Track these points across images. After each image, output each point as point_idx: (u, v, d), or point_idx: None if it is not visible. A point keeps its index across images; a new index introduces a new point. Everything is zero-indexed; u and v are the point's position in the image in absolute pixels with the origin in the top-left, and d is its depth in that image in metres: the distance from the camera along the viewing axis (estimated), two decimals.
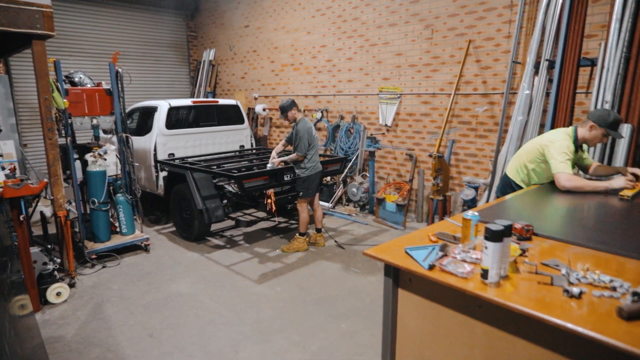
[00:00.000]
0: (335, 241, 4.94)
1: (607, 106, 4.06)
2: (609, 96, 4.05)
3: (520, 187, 3.26)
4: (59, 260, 4.08)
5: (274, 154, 5.00)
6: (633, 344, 1.18)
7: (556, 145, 2.96)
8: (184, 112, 6.26)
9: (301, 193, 4.73)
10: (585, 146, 3.25)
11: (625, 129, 3.92)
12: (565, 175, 2.86)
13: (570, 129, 3.11)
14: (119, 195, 4.83)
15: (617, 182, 2.82)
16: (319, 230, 5.03)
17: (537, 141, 3.20)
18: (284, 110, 4.68)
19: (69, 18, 8.27)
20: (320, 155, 6.14)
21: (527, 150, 3.24)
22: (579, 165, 3.33)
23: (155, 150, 5.71)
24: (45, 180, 3.90)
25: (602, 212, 2.48)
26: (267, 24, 8.16)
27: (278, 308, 3.61)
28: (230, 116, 6.63)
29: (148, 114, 6.05)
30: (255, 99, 8.66)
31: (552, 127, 4.53)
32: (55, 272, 3.83)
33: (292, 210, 6.32)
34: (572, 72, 4.37)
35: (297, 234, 4.89)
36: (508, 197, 2.94)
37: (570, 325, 1.28)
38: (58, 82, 4.17)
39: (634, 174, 2.99)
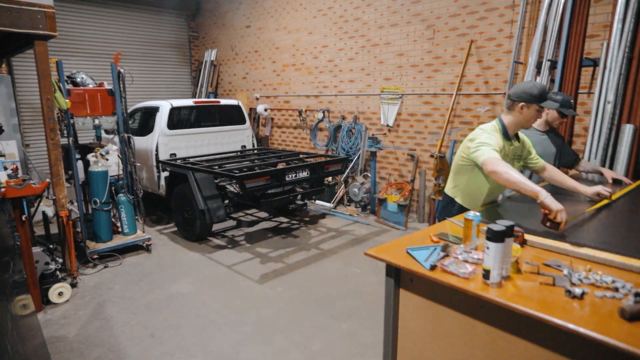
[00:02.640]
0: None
1: (609, 107, 4.04)
2: (611, 96, 4.04)
3: (463, 207, 2.66)
4: (61, 260, 4.09)
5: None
6: (635, 345, 1.17)
7: (476, 140, 2.45)
8: (185, 112, 6.27)
9: None
10: (528, 142, 2.76)
11: (628, 130, 3.91)
12: (493, 158, 2.27)
13: (494, 121, 2.61)
14: (120, 195, 4.84)
15: (555, 205, 1.98)
16: None
17: (460, 146, 2.67)
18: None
19: (71, 18, 8.30)
20: (322, 156, 6.16)
21: (456, 158, 2.72)
22: (528, 168, 2.84)
23: (156, 150, 5.72)
24: (48, 180, 3.91)
25: (604, 212, 2.47)
26: (269, 24, 8.16)
27: (279, 308, 3.61)
28: (231, 116, 6.63)
29: (150, 114, 6.05)
30: (257, 99, 8.67)
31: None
32: (57, 272, 3.83)
33: (294, 210, 6.32)
34: (574, 73, 4.36)
35: None
36: (508, 196, 2.93)
37: (572, 326, 1.28)
38: (60, 82, 4.18)
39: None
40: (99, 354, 3.01)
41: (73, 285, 3.99)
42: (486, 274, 1.56)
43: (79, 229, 4.69)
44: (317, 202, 6.89)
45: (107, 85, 4.79)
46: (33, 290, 3.43)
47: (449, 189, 2.83)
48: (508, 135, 2.57)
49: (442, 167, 5.33)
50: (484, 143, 2.39)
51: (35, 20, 3.63)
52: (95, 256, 4.56)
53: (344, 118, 7.02)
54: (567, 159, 3.48)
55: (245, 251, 4.95)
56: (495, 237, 1.55)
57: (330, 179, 6.80)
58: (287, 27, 7.80)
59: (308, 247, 5.02)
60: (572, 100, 3.06)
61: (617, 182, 2.88)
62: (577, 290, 1.45)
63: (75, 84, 4.66)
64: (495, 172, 2.21)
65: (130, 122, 5.34)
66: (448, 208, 2.80)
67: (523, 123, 2.56)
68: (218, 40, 9.58)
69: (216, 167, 5.17)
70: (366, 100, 6.68)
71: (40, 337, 2.91)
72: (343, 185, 6.84)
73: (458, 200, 2.75)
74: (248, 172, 4.79)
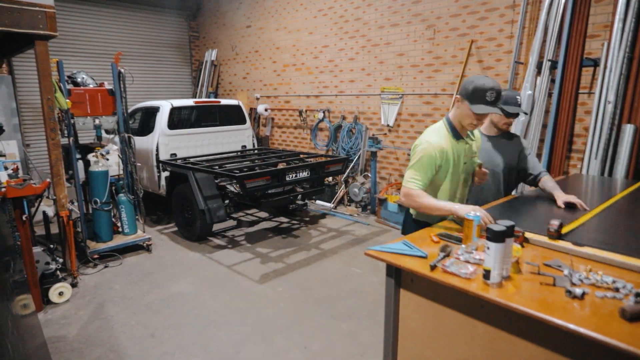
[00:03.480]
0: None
1: (610, 107, 4.04)
2: (611, 96, 4.03)
3: (423, 222, 2.38)
4: (61, 260, 4.09)
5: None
6: (636, 345, 1.17)
7: (416, 150, 2.24)
8: (186, 112, 6.27)
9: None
10: (477, 134, 2.50)
11: (628, 130, 3.91)
12: (403, 189, 2.23)
13: (440, 122, 2.35)
14: (121, 195, 4.84)
15: (463, 208, 2.01)
16: None
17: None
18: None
19: (72, 18, 8.30)
20: (322, 156, 6.16)
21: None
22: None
23: (157, 150, 5.72)
24: (48, 180, 3.91)
25: (605, 212, 2.47)
26: (269, 24, 8.16)
27: (279, 308, 3.61)
28: (232, 116, 6.64)
29: (150, 114, 6.06)
30: (257, 99, 8.67)
31: (555, 127, 4.52)
32: (58, 272, 3.84)
33: (294, 210, 6.32)
34: (575, 73, 4.36)
35: None
36: (509, 197, 2.92)
37: (572, 326, 1.28)
38: (61, 82, 4.19)
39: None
40: (99, 354, 3.01)
41: (73, 285, 3.99)
42: (486, 274, 1.56)
43: (79, 229, 4.69)
44: (318, 202, 6.89)
45: (108, 85, 4.79)
46: (33, 290, 3.43)
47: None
48: (458, 134, 2.28)
49: None
50: (418, 164, 2.20)
51: (35, 20, 3.63)
52: (96, 256, 4.56)
53: (344, 118, 7.02)
54: (523, 173, 2.79)
55: (246, 251, 4.95)
56: (495, 237, 1.55)
57: (330, 179, 6.80)
58: (287, 27, 7.80)
59: (308, 247, 5.02)
60: (518, 97, 2.56)
61: (570, 207, 2.40)
62: (578, 291, 1.45)
63: (75, 84, 4.66)
64: (401, 202, 2.07)
65: (130, 122, 5.34)
66: (407, 222, 2.56)
67: (461, 120, 2.23)
68: (218, 40, 9.59)
69: (216, 167, 5.17)
70: (366, 100, 6.68)
71: (41, 337, 2.91)
72: (343, 185, 6.84)
73: (411, 212, 2.49)
74: (248, 172, 4.79)
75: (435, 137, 2.25)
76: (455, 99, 2.25)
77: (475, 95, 2.10)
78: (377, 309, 3.53)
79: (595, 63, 4.31)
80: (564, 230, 1.98)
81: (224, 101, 6.66)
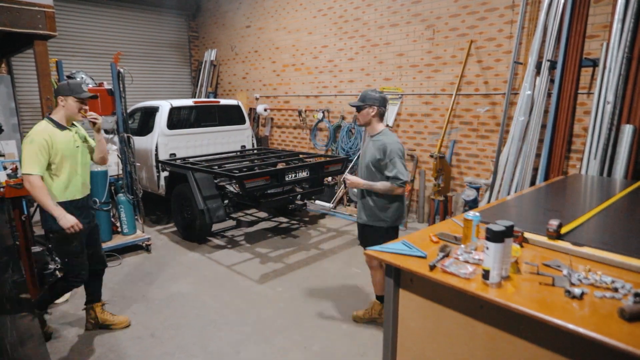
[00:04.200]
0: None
1: (609, 107, 4.04)
2: (610, 97, 4.04)
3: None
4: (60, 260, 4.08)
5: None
6: (635, 345, 1.18)
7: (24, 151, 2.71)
8: (185, 112, 6.26)
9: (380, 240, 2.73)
10: (80, 126, 3.07)
11: (627, 130, 3.92)
12: (27, 178, 2.65)
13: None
14: (120, 195, 4.84)
15: (67, 219, 2.72)
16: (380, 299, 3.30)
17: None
18: (359, 107, 3.13)
19: (71, 18, 8.30)
20: (321, 156, 6.16)
21: None
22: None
23: (156, 150, 5.71)
24: None
25: (604, 212, 2.48)
26: (269, 24, 8.16)
27: (279, 308, 3.61)
28: (231, 116, 6.63)
29: (149, 114, 6.05)
30: (257, 99, 8.67)
31: (554, 127, 4.53)
32: (57, 272, 3.83)
33: (294, 210, 6.32)
34: (574, 73, 4.37)
35: (375, 300, 3.36)
36: (509, 197, 2.93)
37: (571, 326, 1.28)
38: (60, 82, 4.18)
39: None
40: (98, 353, 3.01)
41: None
42: (486, 274, 1.57)
43: None
44: (317, 202, 6.89)
45: (107, 85, 4.79)
46: (32, 290, 3.43)
47: None
48: (58, 123, 2.85)
49: (442, 167, 5.34)
50: (33, 152, 2.66)
51: (35, 20, 3.63)
52: None
53: (343, 118, 7.02)
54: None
55: (245, 251, 4.95)
56: (494, 237, 1.55)
57: (329, 179, 6.80)
58: (287, 27, 7.80)
59: (308, 247, 5.02)
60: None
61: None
62: (577, 291, 1.45)
63: None
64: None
65: (130, 122, 5.34)
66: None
67: (70, 117, 2.88)
68: (218, 40, 9.58)
69: (216, 167, 5.17)
70: None
71: (40, 337, 2.91)
72: (343, 186, 6.84)
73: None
74: (248, 172, 4.79)
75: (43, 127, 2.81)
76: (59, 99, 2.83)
77: (73, 89, 2.84)
78: None
79: (595, 63, 4.32)
80: (563, 230, 1.98)
81: (223, 101, 6.66)
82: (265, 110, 8.20)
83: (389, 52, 6.22)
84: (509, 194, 4.79)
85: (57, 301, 3.70)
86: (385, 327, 1.94)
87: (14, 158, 4.49)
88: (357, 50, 6.67)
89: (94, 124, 2.95)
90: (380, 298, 3.22)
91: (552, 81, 4.61)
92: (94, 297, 3.30)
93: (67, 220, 2.72)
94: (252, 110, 8.56)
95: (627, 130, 3.92)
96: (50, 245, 4.01)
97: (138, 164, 5.32)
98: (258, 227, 5.91)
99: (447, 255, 1.80)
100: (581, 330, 1.26)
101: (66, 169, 2.84)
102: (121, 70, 4.72)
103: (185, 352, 3.02)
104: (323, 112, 7.24)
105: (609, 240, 1.94)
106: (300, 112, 7.68)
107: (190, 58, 10.26)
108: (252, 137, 6.92)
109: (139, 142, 5.66)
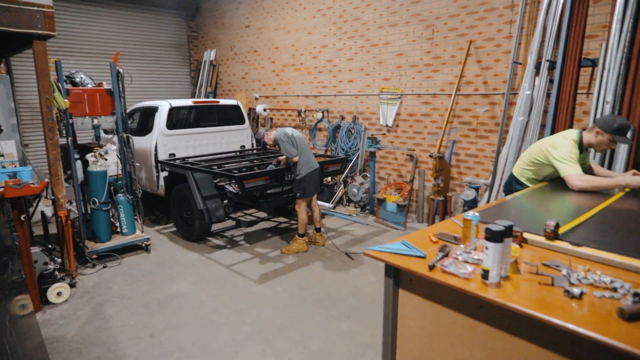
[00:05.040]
0: (346, 253, 4.80)
1: (608, 107, 4.06)
2: (610, 97, 4.05)
3: (526, 186, 3.29)
4: (59, 260, 4.08)
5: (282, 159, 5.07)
6: (634, 344, 1.18)
7: (560, 151, 3.01)
8: (184, 112, 6.26)
9: (298, 194, 4.69)
10: (591, 149, 3.28)
11: None
12: (576, 175, 2.90)
13: (575, 133, 3.13)
14: (119, 195, 4.84)
15: (633, 179, 2.84)
16: (318, 230, 5.01)
17: (542, 143, 3.24)
18: (260, 141, 4.98)
19: (70, 18, 8.29)
20: (320, 156, 6.15)
21: (532, 151, 3.31)
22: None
23: (156, 150, 5.71)
24: (46, 180, 3.90)
25: (603, 212, 2.48)
26: (268, 24, 8.16)
27: (278, 308, 3.61)
28: (231, 116, 6.63)
29: (149, 114, 6.05)
30: (256, 99, 8.67)
31: (553, 127, 4.53)
32: (56, 272, 3.83)
33: (293, 210, 6.31)
34: (573, 73, 4.37)
35: (296, 235, 4.88)
36: (509, 197, 2.94)
37: (571, 326, 1.28)
38: (59, 82, 4.17)
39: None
40: (97, 354, 3.01)
41: (72, 285, 3.98)
42: (485, 274, 1.57)
43: (77, 229, 4.68)
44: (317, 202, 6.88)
45: (106, 85, 4.79)
46: (32, 290, 3.43)
47: (517, 170, 3.43)
48: (582, 147, 3.11)
49: (441, 167, 5.34)
50: (570, 157, 2.97)
51: (34, 20, 3.62)
52: (94, 256, 4.55)
53: (343, 118, 7.02)
54: None
55: (245, 251, 4.95)
56: (494, 237, 1.55)
57: (329, 179, 6.80)
58: (286, 27, 7.80)
59: (307, 247, 5.01)
60: None
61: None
62: (576, 291, 1.45)
63: (74, 83, 4.66)
64: (577, 187, 2.88)
65: (129, 122, 5.33)
66: (510, 187, 3.43)
67: (594, 145, 3.10)
68: (217, 40, 9.58)
69: (215, 167, 5.17)
70: (365, 101, 6.68)
71: (39, 337, 2.91)
72: (342, 185, 6.84)
73: (523, 180, 3.36)
74: (247, 172, 4.79)
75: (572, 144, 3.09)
76: (597, 131, 3.03)
77: (620, 130, 2.95)
78: (376, 309, 3.54)
79: (594, 63, 4.32)
80: (561, 230, 1.99)
81: (222, 101, 6.65)
82: (264, 110, 8.20)
83: (388, 52, 6.22)
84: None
85: (56, 301, 3.71)
86: (384, 327, 1.94)
87: (14, 158, 4.49)
88: (356, 50, 6.67)
89: None
90: (301, 235, 4.82)
91: (551, 81, 4.61)
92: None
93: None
94: (251, 110, 8.56)
95: None
96: (50, 246, 4.02)
97: (137, 164, 5.32)
98: (257, 227, 5.91)
99: (446, 255, 1.80)
100: (580, 330, 1.26)
101: None
102: (120, 70, 4.72)
103: (184, 352, 3.01)
104: (322, 112, 7.24)
105: (608, 240, 1.95)
106: (299, 112, 7.68)
107: (189, 58, 10.26)
108: (252, 137, 6.92)
109: (138, 142, 5.66)
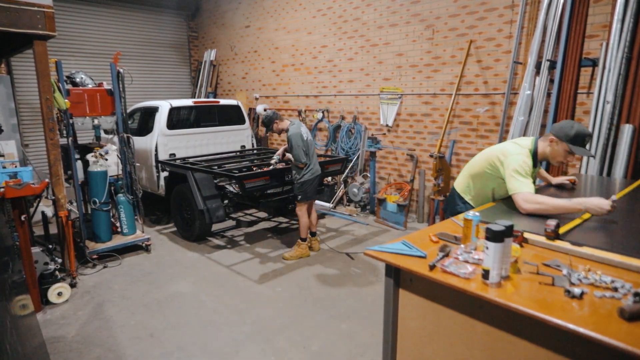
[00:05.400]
0: (347, 254, 4.81)
1: (608, 107, 4.05)
2: (610, 96, 4.04)
3: (470, 206, 2.82)
4: (60, 260, 4.08)
5: (281, 150, 4.99)
6: (634, 344, 1.18)
7: (510, 160, 2.48)
8: (185, 112, 6.26)
9: (299, 197, 4.50)
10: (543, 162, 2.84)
11: (627, 130, 3.92)
12: (523, 195, 2.35)
13: (530, 141, 2.64)
14: (120, 195, 4.84)
15: (600, 203, 2.14)
16: (313, 234, 4.85)
17: (491, 151, 2.72)
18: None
19: (70, 18, 8.29)
20: (321, 156, 6.15)
21: (478, 161, 2.79)
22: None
23: (156, 150, 5.71)
24: (47, 180, 3.90)
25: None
26: (268, 24, 8.16)
27: (278, 308, 3.61)
28: (231, 116, 6.63)
29: (149, 114, 6.05)
30: (256, 99, 8.67)
31: None
32: (57, 272, 3.83)
33: (293, 210, 6.31)
34: (574, 73, 4.37)
35: (299, 240, 4.70)
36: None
37: (571, 326, 1.28)
38: (59, 82, 4.18)
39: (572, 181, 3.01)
40: (98, 354, 3.01)
41: (72, 286, 3.98)
42: (485, 274, 1.57)
43: (78, 229, 4.68)
44: (317, 202, 6.88)
45: (107, 85, 4.79)
46: (32, 290, 3.43)
47: (459, 185, 2.95)
48: (536, 159, 2.62)
49: (442, 167, 5.34)
50: (521, 171, 2.43)
51: (34, 20, 3.62)
52: (95, 256, 4.55)
53: (343, 118, 7.02)
54: None
55: (245, 251, 4.95)
56: (494, 237, 1.55)
57: (329, 179, 6.80)
58: (286, 27, 7.80)
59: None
60: None
61: None
62: (577, 290, 1.45)
63: (74, 84, 4.66)
64: (525, 210, 2.34)
65: (129, 122, 5.33)
66: (455, 203, 2.94)
67: (548, 156, 2.59)
68: (217, 40, 9.58)
69: (215, 167, 5.17)
70: (365, 101, 6.68)
71: (40, 337, 2.91)
72: (342, 185, 6.84)
73: (467, 198, 2.88)
74: (247, 172, 4.79)
75: (526, 154, 2.57)
76: (550, 139, 2.53)
77: (577, 139, 2.44)
78: (376, 309, 3.54)
79: (594, 63, 4.32)
80: (562, 230, 1.98)
81: (223, 101, 6.66)
82: (265, 110, 8.19)
83: (389, 52, 6.22)
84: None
85: (56, 301, 3.71)
86: (384, 327, 1.94)
87: (14, 158, 4.49)
88: (356, 50, 6.67)
89: None
90: (303, 239, 4.68)
91: (551, 81, 4.61)
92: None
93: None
94: (251, 110, 8.56)
95: (627, 129, 3.92)
96: (50, 246, 4.02)
97: (138, 164, 5.32)
98: (258, 227, 5.91)
99: (446, 255, 1.80)
100: (581, 329, 1.26)
101: None
102: (121, 70, 4.72)
103: (184, 352, 3.01)
104: (323, 112, 7.24)
105: (608, 240, 1.95)
106: (299, 112, 7.68)
107: (189, 58, 10.26)
108: (252, 137, 6.92)
109: (138, 142, 5.66)
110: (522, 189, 2.37)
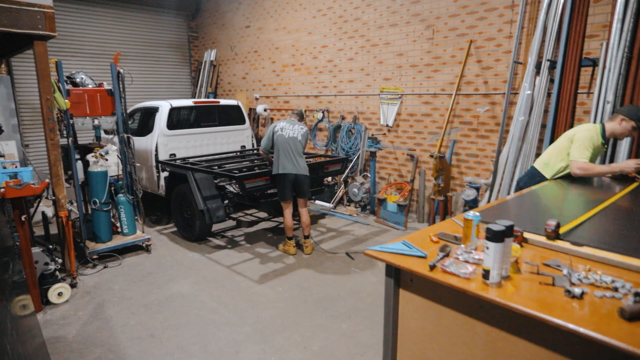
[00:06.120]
0: (347, 253, 4.81)
1: (608, 107, 4.06)
2: (610, 96, 4.04)
3: (545, 178, 3.39)
4: (60, 261, 4.08)
5: None
6: (635, 344, 1.18)
7: (580, 135, 3.16)
8: (185, 112, 6.26)
9: (278, 194, 4.71)
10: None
11: None
12: (578, 163, 3.08)
13: (597, 126, 3.26)
14: (120, 195, 4.84)
15: (628, 163, 3.07)
16: (306, 237, 4.79)
17: (567, 133, 3.36)
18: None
19: (71, 19, 8.29)
20: (321, 156, 6.15)
21: (557, 147, 3.38)
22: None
23: (156, 150, 5.71)
24: (47, 180, 3.90)
25: (604, 212, 2.48)
26: (268, 24, 8.16)
27: (279, 308, 3.61)
28: (231, 116, 6.63)
29: (149, 114, 6.05)
30: (257, 99, 8.67)
31: (554, 127, 4.53)
32: (57, 273, 3.83)
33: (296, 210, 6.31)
34: (574, 72, 4.37)
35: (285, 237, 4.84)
36: (509, 197, 2.94)
37: (571, 326, 1.28)
38: (60, 82, 4.18)
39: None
40: (98, 354, 3.01)
41: (72, 286, 3.98)
42: (486, 274, 1.57)
43: (78, 229, 4.68)
44: (317, 202, 6.89)
45: (107, 86, 4.79)
46: (32, 290, 3.43)
47: (539, 164, 3.48)
48: (605, 137, 3.27)
49: (442, 167, 5.34)
50: (586, 144, 3.12)
51: (34, 21, 3.63)
52: (95, 256, 4.55)
53: (343, 118, 7.02)
54: None
55: (245, 251, 4.95)
56: (494, 237, 1.55)
57: (329, 179, 6.80)
58: (286, 27, 7.80)
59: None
60: None
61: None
62: (577, 290, 1.45)
63: (74, 84, 4.66)
64: (575, 174, 3.13)
65: (129, 123, 5.34)
66: (531, 181, 3.43)
67: (618, 134, 3.23)
68: (218, 40, 9.58)
69: (216, 167, 5.17)
70: (366, 101, 6.68)
71: (40, 337, 2.91)
72: (343, 186, 6.84)
73: (547, 175, 3.40)
74: (247, 172, 4.79)
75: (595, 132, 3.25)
76: (621, 118, 3.18)
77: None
78: (376, 309, 3.54)
79: (594, 63, 4.32)
80: (563, 230, 1.98)
81: (223, 101, 6.66)
82: (265, 110, 8.20)
83: (389, 52, 6.22)
84: (508, 193, 4.79)
85: (57, 301, 3.71)
86: (385, 327, 1.94)
87: (14, 158, 4.49)
88: (356, 50, 6.67)
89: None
90: (288, 237, 4.80)
91: (551, 81, 4.61)
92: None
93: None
94: (251, 111, 8.56)
95: None
96: (51, 246, 4.02)
97: (138, 165, 5.32)
98: (258, 227, 5.91)
99: (447, 255, 1.80)
100: (581, 329, 1.26)
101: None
102: (121, 70, 4.72)
103: (185, 352, 3.02)
104: (323, 112, 7.24)
105: (608, 239, 1.94)
106: None
107: (189, 58, 10.26)
108: (252, 137, 6.92)
109: (138, 142, 5.66)
110: (579, 158, 3.10)
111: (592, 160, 3.22)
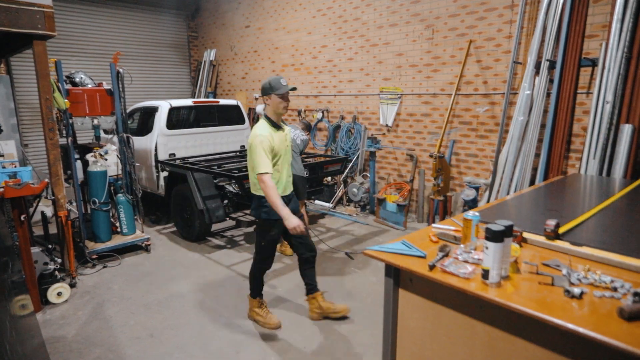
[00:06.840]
0: (347, 253, 4.83)
1: (608, 107, 4.05)
2: (610, 96, 4.04)
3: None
4: (59, 260, 4.08)
5: None
6: (634, 344, 1.18)
7: (255, 142, 2.91)
8: (184, 112, 6.26)
9: None
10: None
11: (627, 130, 3.92)
12: (265, 177, 2.84)
13: (261, 121, 3.15)
14: (119, 195, 4.84)
15: (291, 220, 2.78)
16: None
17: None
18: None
19: (70, 18, 8.29)
20: (320, 156, 6.16)
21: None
22: None
23: (156, 150, 5.71)
24: (46, 180, 3.90)
25: (603, 212, 2.48)
26: (268, 24, 8.16)
27: (278, 308, 3.61)
28: (231, 116, 6.63)
29: (149, 114, 6.05)
30: (256, 99, 8.67)
31: (553, 127, 4.54)
32: (56, 272, 3.83)
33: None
34: (573, 73, 4.37)
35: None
36: (509, 197, 2.94)
37: (571, 326, 1.28)
38: (59, 82, 4.18)
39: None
40: (98, 354, 3.01)
41: (72, 286, 3.98)
42: (485, 274, 1.57)
43: (77, 229, 4.68)
44: (317, 202, 6.89)
45: (106, 85, 4.79)
46: (32, 290, 3.43)
47: (254, 187, 3.12)
48: (275, 123, 3.17)
49: (441, 167, 5.34)
50: (262, 150, 2.88)
51: (34, 20, 3.62)
52: (94, 256, 4.55)
53: (343, 118, 7.02)
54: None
55: (245, 251, 4.95)
56: (494, 237, 1.55)
57: (329, 179, 6.80)
58: (286, 27, 7.80)
59: None
60: None
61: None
62: (576, 290, 1.45)
63: (74, 84, 4.66)
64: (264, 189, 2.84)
65: (129, 122, 5.33)
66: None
67: (277, 112, 3.19)
68: (217, 40, 9.58)
69: (215, 167, 5.17)
70: (365, 100, 6.68)
71: (39, 337, 2.91)
72: (342, 185, 6.84)
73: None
74: (247, 172, 4.78)
75: (265, 126, 3.05)
76: (264, 99, 3.11)
77: (273, 86, 3.09)
78: (376, 309, 3.54)
79: (594, 63, 4.32)
80: (562, 229, 1.99)
81: (222, 101, 6.65)
82: (264, 110, 8.18)
83: (388, 52, 6.22)
84: (508, 193, 4.79)
85: (56, 301, 3.71)
86: (384, 327, 1.94)
87: (13, 158, 4.50)
88: (356, 50, 6.67)
89: None
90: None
91: (551, 81, 4.61)
92: (312, 286, 3.43)
93: (291, 222, 2.81)
94: (251, 110, 8.56)
95: (627, 129, 3.92)
96: (50, 246, 4.01)
97: (137, 164, 5.31)
98: None
99: (446, 255, 1.80)
100: (580, 329, 1.26)
101: (282, 167, 3.09)
102: (120, 70, 4.72)
103: (184, 352, 3.01)
104: (322, 112, 7.24)
105: (608, 239, 1.95)
106: (299, 112, 7.68)
107: (189, 58, 10.26)
108: None
109: (138, 142, 5.66)
110: (264, 170, 2.86)
111: (276, 159, 3.01)
